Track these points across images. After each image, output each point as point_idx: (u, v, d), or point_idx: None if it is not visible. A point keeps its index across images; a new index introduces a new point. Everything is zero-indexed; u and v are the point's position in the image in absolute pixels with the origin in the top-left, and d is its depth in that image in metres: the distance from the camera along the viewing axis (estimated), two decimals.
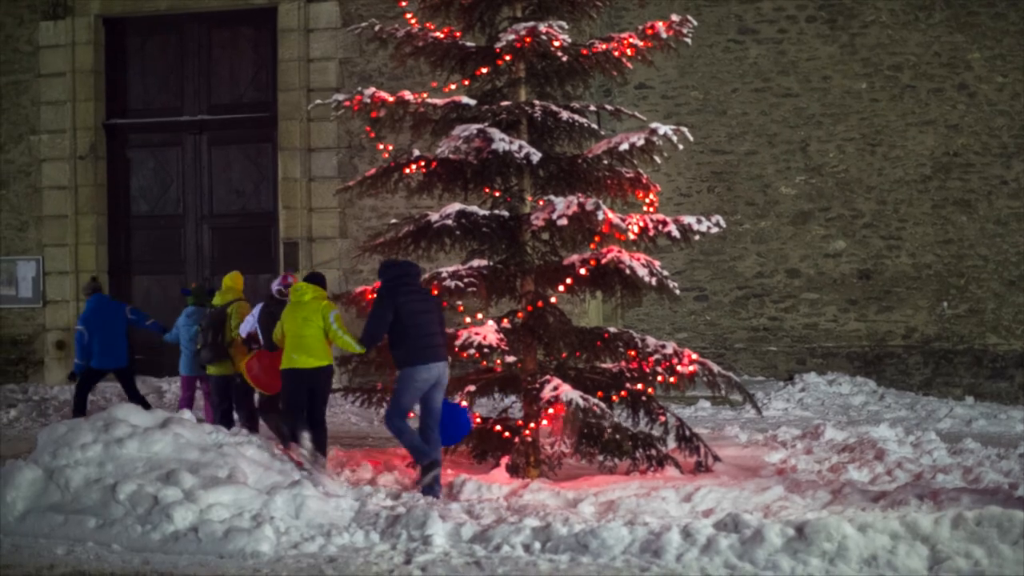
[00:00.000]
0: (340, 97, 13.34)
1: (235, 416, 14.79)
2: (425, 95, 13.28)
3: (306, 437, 12.35)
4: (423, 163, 12.93)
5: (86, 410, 16.76)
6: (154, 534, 10.27)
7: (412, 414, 12.21)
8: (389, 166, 13.11)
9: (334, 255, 21.80)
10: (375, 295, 12.49)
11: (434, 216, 12.75)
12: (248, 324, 14.10)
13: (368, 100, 13.07)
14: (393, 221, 13.43)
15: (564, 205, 12.12)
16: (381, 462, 12.97)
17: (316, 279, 13.44)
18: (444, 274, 12.52)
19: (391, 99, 13.06)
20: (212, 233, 23.10)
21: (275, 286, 14.12)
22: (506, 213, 12.91)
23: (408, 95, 13.14)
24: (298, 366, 12.75)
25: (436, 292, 12.43)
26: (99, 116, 23.24)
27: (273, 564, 9.60)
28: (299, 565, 9.56)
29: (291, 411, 12.80)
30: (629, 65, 13.41)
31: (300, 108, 21.89)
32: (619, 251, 12.43)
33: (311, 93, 21.67)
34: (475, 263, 12.77)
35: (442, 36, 13.40)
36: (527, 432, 12.56)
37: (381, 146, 13.49)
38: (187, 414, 12.77)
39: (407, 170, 13.01)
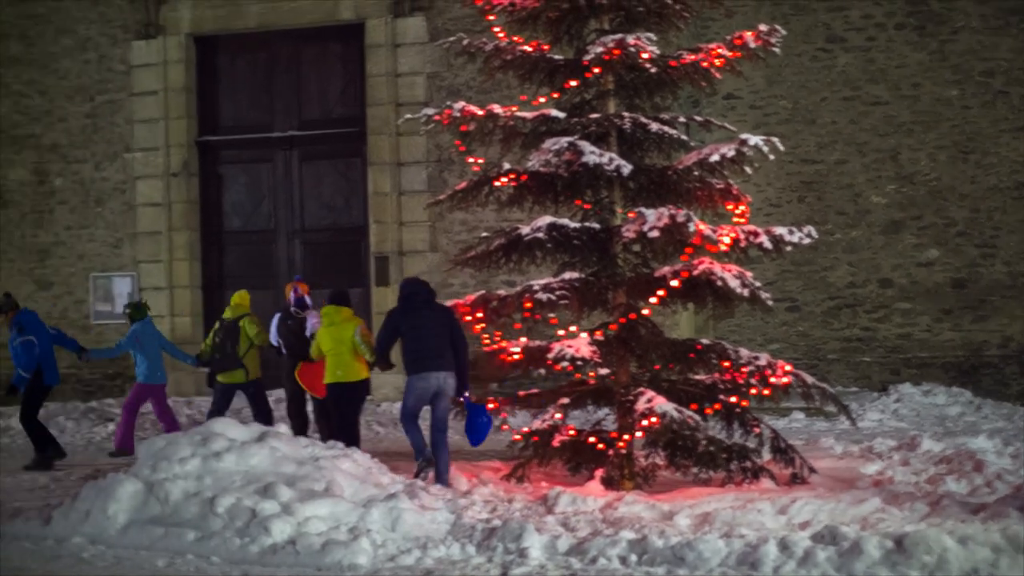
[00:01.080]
0: (430, 111, 13.40)
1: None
2: (515, 108, 13.31)
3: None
4: (513, 176, 12.95)
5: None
6: (252, 547, 10.35)
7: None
8: (480, 179, 13.15)
9: (424, 268, 21.87)
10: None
11: (525, 229, 12.77)
12: (273, 335, 16.24)
13: (458, 114, 13.12)
14: (484, 234, 13.47)
15: (655, 217, 12.10)
16: (475, 475, 12.99)
17: (341, 298, 14.59)
18: (536, 287, 12.53)
19: (481, 113, 13.11)
20: (304, 247, 23.28)
21: (292, 302, 16.10)
22: (597, 225, 12.90)
23: (497, 108, 13.18)
24: (341, 380, 14.18)
25: (529, 305, 12.45)
26: (191, 133, 23.52)
27: None
28: None
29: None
30: (718, 76, 13.37)
31: (389, 122, 22.02)
32: (711, 263, 12.38)
33: (400, 107, 21.80)
34: (567, 276, 12.78)
35: (530, 49, 13.42)
36: (621, 444, 12.54)
37: (471, 159, 13.53)
38: (283, 428, 12.86)
39: (497, 183, 13.05)
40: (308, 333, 15.64)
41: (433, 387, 13.03)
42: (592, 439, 12.90)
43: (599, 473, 12.54)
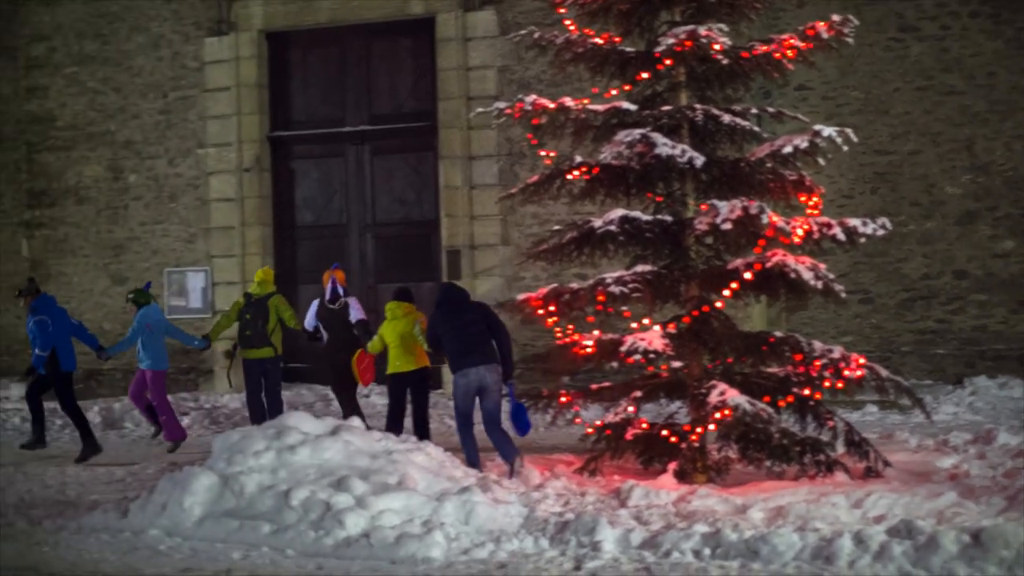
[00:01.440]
0: (501, 105, 13.40)
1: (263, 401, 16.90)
2: (586, 101, 13.29)
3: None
4: (585, 169, 12.94)
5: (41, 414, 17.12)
6: (327, 539, 10.42)
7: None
8: (551, 173, 13.15)
9: (496, 262, 21.93)
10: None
11: (597, 222, 12.75)
12: (310, 321, 16.72)
13: (529, 107, 13.11)
14: (556, 227, 13.46)
15: (728, 209, 12.05)
16: (548, 468, 13.00)
17: (405, 295, 15.47)
18: (609, 280, 12.51)
19: (552, 106, 13.10)
20: (375, 242, 23.38)
21: (330, 291, 16.57)
22: (669, 218, 12.86)
23: (569, 101, 13.17)
24: (401, 370, 15.01)
25: (602, 298, 12.43)
26: (263, 129, 23.68)
27: (444, 570, 9.68)
28: (470, 571, 9.62)
29: (395, 413, 15.10)
30: (790, 66, 13.28)
31: (460, 116, 22.06)
32: (784, 255, 12.30)
33: (471, 101, 21.82)
34: (639, 268, 12.75)
35: (601, 42, 13.39)
36: (694, 437, 12.51)
37: (543, 153, 13.53)
38: (356, 421, 12.92)
39: (569, 176, 13.04)
40: (354, 320, 16.42)
41: (474, 382, 13.54)
42: (665, 432, 12.86)
43: (672, 466, 12.51)
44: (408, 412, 15.32)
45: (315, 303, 16.87)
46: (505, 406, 13.83)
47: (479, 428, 13.79)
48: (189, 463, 12.38)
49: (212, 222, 23.74)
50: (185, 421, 19.60)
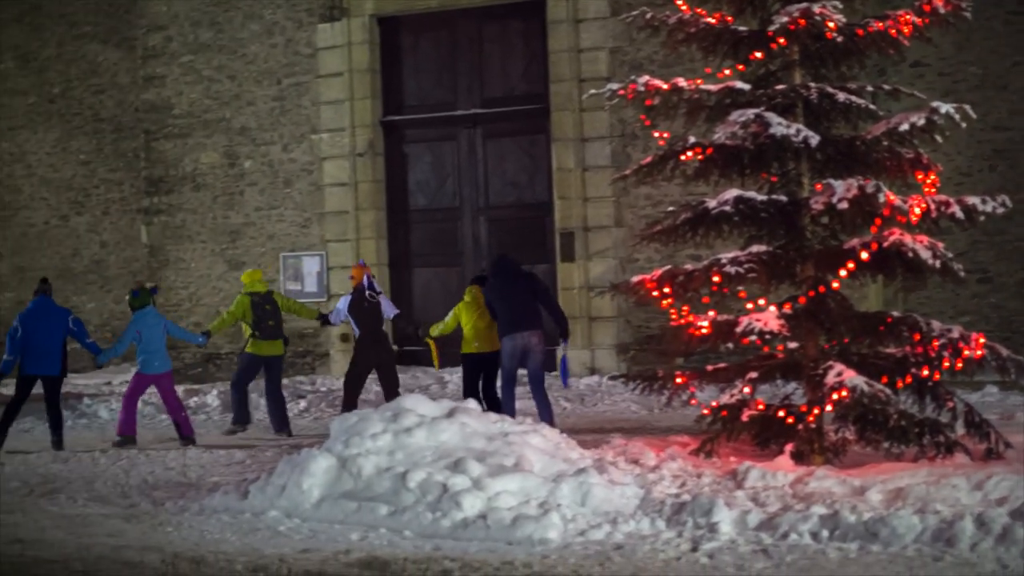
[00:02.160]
0: (614, 86, 13.37)
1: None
2: (699, 81, 13.22)
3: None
4: (699, 150, 12.86)
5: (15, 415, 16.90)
6: (444, 521, 10.48)
7: None
8: (665, 153, 13.09)
9: (609, 244, 21.91)
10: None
11: (711, 203, 12.69)
12: (340, 314, 17.37)
13: (642, 88, 13.06)
14: (670, 209, 13.41)
15: (844, 188, 11.94)
16: (663, 449, 12.98)
17: (483, 281, 16.44)
18: (724, 260, 12.44)
19: (666, 86, 13.04)
20: (489, 225, 23.46)
21: (367, 286, 17.20)
22: (784, 198, 12.76)
23: (682, 82, 13.10)
24: (481, 351, 16.01)
25: (717, 279, 12.37)
26: (376, 113, 23.83)
27: (561, 551, 9.70)
28: (586, 552, 9.64)
29: (469, 389, 16.03)
30: (906, 43, 13.10)
31: (572, 98, 22.06)
32: (901, 234, 12.15)
33: (582, 83, 21.81)
34: (754, 249, 12.66)
35: (714, 21, 13.30)
36: (811, 418, 12.42)
37: (657, 134, 13.47)
38: (472, 403, 12.98)
39: (683, 157, 12.97)
40: (391, 315, 17.60)
41: (520, 345, 15.42)
42: (781, 413, 12.77)
43: (788, 448, 12.43)
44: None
45: (346, 298, 17.41)
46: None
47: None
48: (308, 445, 12.50)
49: (326, 207, 23.96)
50: (302, 404, 19.87)
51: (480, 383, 16.14)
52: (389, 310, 17.50)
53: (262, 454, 14.99)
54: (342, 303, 17.44)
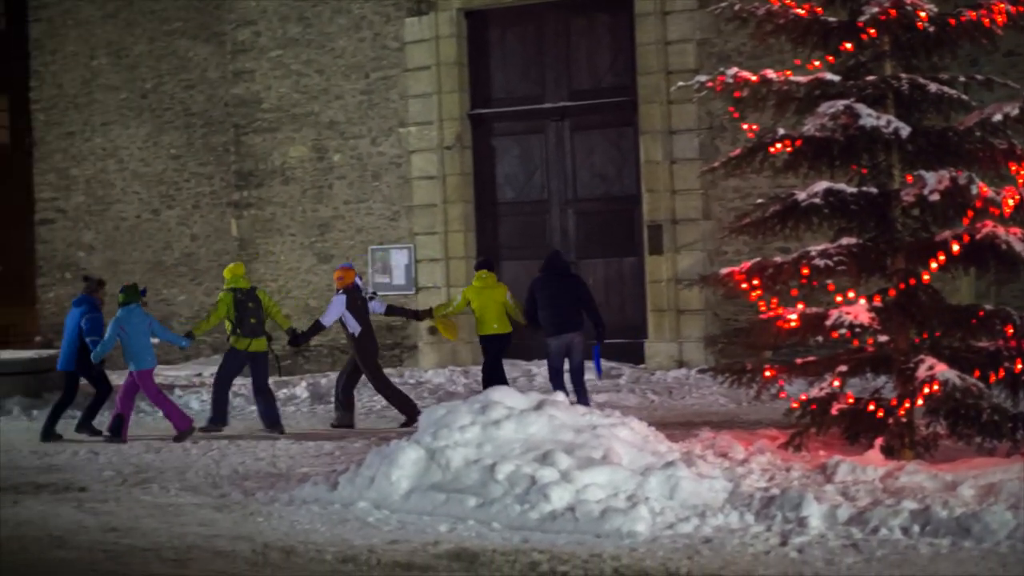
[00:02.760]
0: (702, 78, 13.31)
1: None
2: (788, 73, 13.13)
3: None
4: (788, 142, 12.79)
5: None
6: (532, 513, 10.50)
7: None
8: (754, 146, 13.02)
9: (697, 237, 21.84)
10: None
11: (801, 195, 12.60)
12: (334, 314, 17.37)
13: (731, 80, 13.00)
14: (759, 201, 13.35)
15: (935, 180, 11.82)
16: (752, 443, 12.91)
17: (491, 265, 18.02)
18: (813, 253, 12.36)
19: (754, 78, 12.97)
20: (576, 218, 23.46)
21: (360, 284, 17.79)
22: (874, 190, 12.65)
23: (771, 73, 13.02)
24: (498, 332, 17.32)
25: (806, 272, 12.30)
26: (464, 107, 23.90)
27: (649, 544, 9.69)
28: (675, 545, 9.62)
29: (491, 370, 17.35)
30: (999, 32, 12.94)
31: (660, 91, 22.00)
32: (994, 226, 12.01)
33: (670, 75, 21.75)
34: (844, 241, 12.56)
35: (803, 13, 13.20)
36: (901, 412, 12.31)
37: (746, 126, 13.40)
38: (560, 396, 12.99)
39: (772, 149, 12.90)
40: (381, 311, 18.13)
41: (565, 343, 16.74)
42: (871, 407, 12.66)
43: (879, 442, 12.32)
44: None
45: (340, 300, 17.43)
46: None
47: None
48: (397, 437, 12.57)
49: (415, 200, 24.06)
50: None
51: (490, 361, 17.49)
52: (378, 306, 18.03)
53: (351, 445, 15.09)
54: (334, 306, 17.48)
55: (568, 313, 16.83)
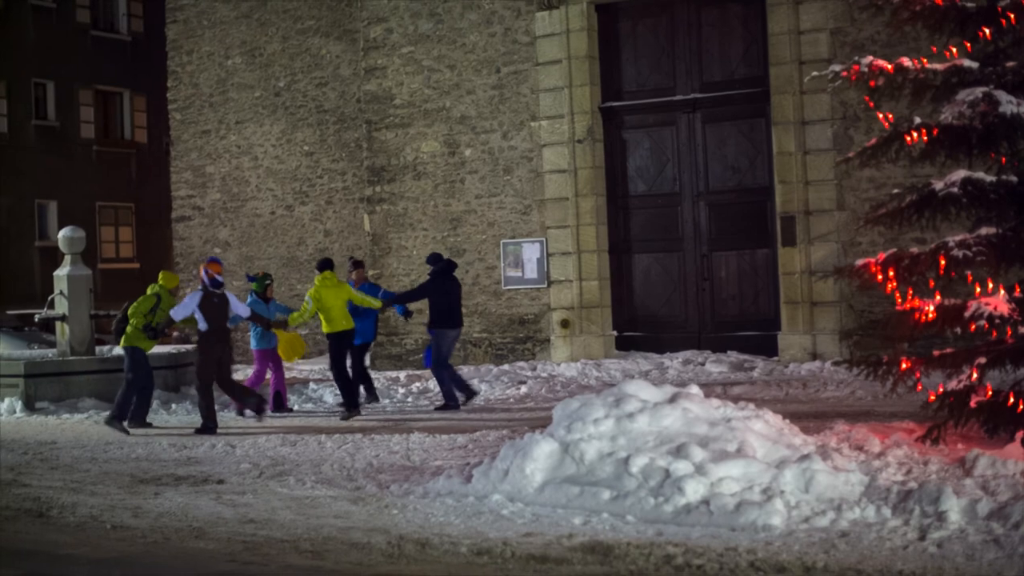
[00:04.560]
0: (837, 68, 13.15)
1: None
2: (924, 61, 12.93)
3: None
4: (925, 131, 12.59)
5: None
6: (666, 506, 10.45)
7: None
8: (889, 135, 12.84)
9: (831, 228, 21.61)
10: None
11: (938, 184, 12.40)
12: (186, 310, 17.47)
13: (866, 69, 12.82)
14: (895, 191, 13.15)
15: None
16: (888, 436, 12.74)
17: (330, 265, 18.72)
18: (951, 244, 12.16)
19: (890, 67, 12.79)
20: (709, 210, 23.34)
21: (206, 278, 17.63)
22: (1015, 178, 12.40)
23: (907, 62, 12.83)
24: (346, 328, 18.25)
25: (943, 263, 12.10)
26: (595, 100, 23.88)
27: (785, 537, 9.60)
28: (811, 539, 9.52)
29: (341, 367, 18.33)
30: None
31: (792, 81, 21.81)
32: None
33: (803, 65, 21.56)
34: (982, 231, 12.34)
35: (940, 0, 13.00)
36: None
37: (881, 115, 13.22)
38: (694, 389, 12.92)
39: (908, 139, 12.71)
40: (246, 315, 18.06)
41: (457, 336, 19.10)
42: (1011, 400, 12.42)
43: (1019, 435, 12.07)
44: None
45: (194, 296, 17.62)
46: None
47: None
48: (530, 430, 12.59)
49: (546, 193, 24.09)
50: (523, 389, 20.01)
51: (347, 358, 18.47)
52: (243, 309, 18.05)
53: (484, 439, 15.13)
54: (190, 300, 17.61)
55: (459, 308, 19.18)
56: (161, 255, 38.58)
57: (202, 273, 17.73)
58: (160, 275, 18.89)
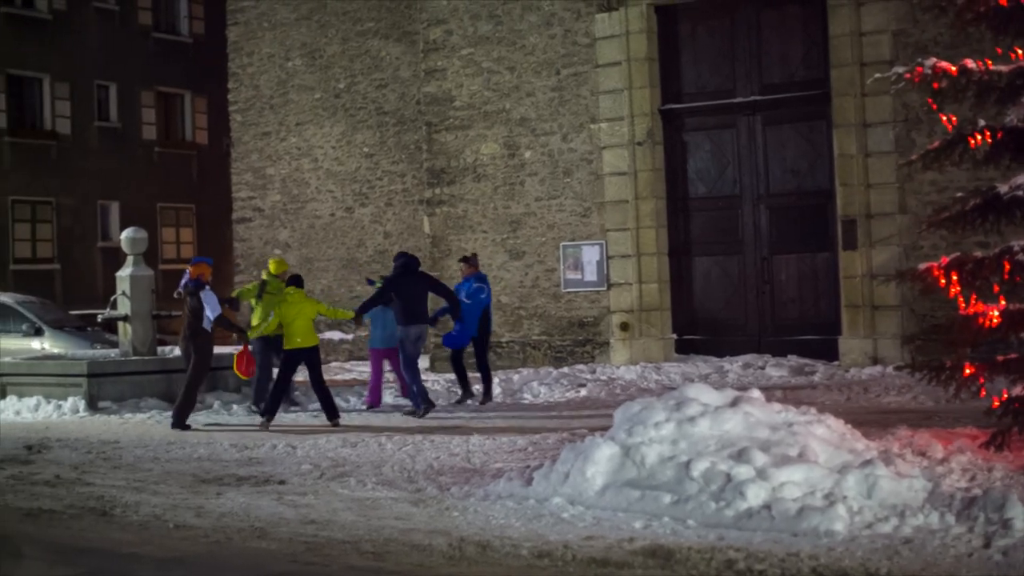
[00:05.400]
0: (900, 69, 13.06)
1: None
2: (988, 62, 12.82)
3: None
4: (989, 133, 12.49)
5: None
6: (727, 511, 10.42)
7: None
8: (953, 138, 12.74)
9: (893, 231, 21.47)
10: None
11: (1003, 188, 12.29)
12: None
13: (929, 71, 12.72)
14: (958, 195, 13.05)
15: None
16: (951, 442, 12.65)
17: (300, 281, 18.72)
18: (1016, 248, 12.05)
19: (953, 69, 12.69)
20: (769, 213, 23.25)
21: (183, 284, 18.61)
22: None
23: (971, 63, 12.74)
24: (305, 345, 18.01)
25: (1008, 267, 12.00)
26: (655, 102, 23.85)
27: (847, 543, 9.54)
28: (873, 545, 9.46)
29: (284, 381, 18.32)
30: None
31: (853, 83, 21.68)
32: None
33: (864, 67, 21.43)
34: None
35: (1004, 1, 12.89)
36: None
37: (945, 118, 13.13)
38: (755, 393, 12.86)
39: (972, 141, 12.61)
40: (212, 315, 18.16)
41: (419, 334, 18.52)
42: None
43: None
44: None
45: (212, 293, 18.58)
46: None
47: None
48: (589, 433, 12.58)
49: (606, 196, 24.08)
50: (582, 392, 20.00)
51: (309, 374, 18.36)
52: (212, 311, 18.27)
53: (544, 441, 15.13)
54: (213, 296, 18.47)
55: (424, 306, 18.98)
56: (221, 256, 38.81)
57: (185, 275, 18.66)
58: (270, 262, 19.96)
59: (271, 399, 18.04)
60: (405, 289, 18.49)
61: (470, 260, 20.44)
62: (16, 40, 38.98)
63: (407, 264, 18.72)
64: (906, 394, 18.15)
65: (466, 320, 19.32)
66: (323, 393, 17.99)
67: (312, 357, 18.16)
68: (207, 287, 18.42)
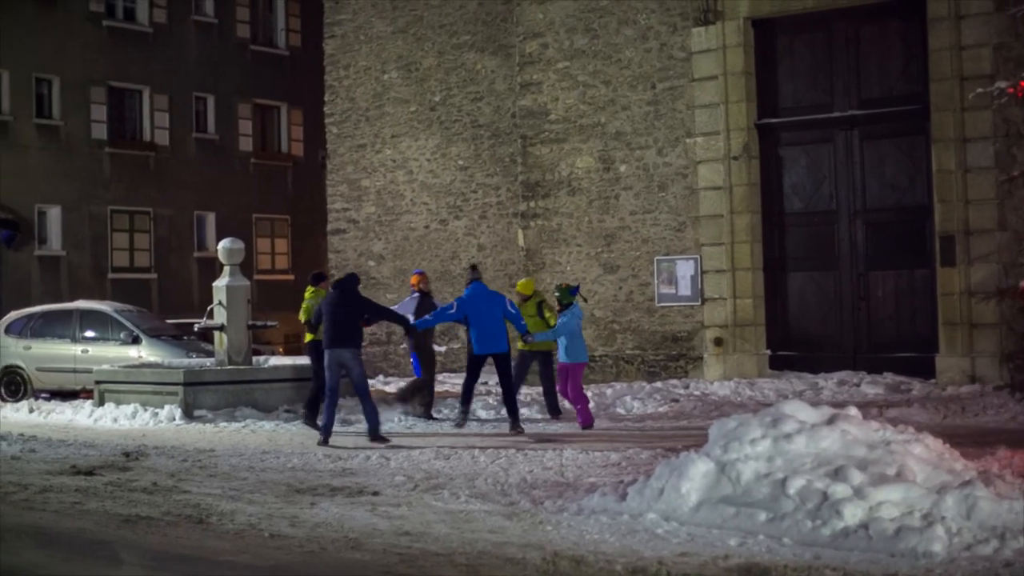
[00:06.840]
0: (1002, 84, 12.99)
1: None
2: None
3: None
4: None
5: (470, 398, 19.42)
6: (823, 530, 10.32)
7: None
8: None
9: (992, 248, 21.19)
10: None
11: None
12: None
13: None
14: None
15: None
16: None
17: (320, 278, 19.73)
18: None
19: None
20: (866, 229, 23.04)
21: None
22: None
23: None
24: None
25: None
26: (751, 116, 23.72)
27: (946, 565, 9.42)
28: (973, 568, 9.33)
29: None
30: None
31: (953, 98, 21.44)
32: None
33: (964, 82, 21.17)
34: None
35: None
36: None
37: None
38: (853, 410, 12.74)
39: None
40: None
41: (335, 359, 17.62)
42: None
43: None
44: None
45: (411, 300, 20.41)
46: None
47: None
48: (684, 449, 12.52)
49: (701, 210, 23.98)
50: (676, 407, 19.93)
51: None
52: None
53: (637, 456, 15.09)
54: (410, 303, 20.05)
55: (347, 329, 17.79)
56: (316, 267, 39.08)
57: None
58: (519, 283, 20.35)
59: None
60: (328, 308, 17.97)
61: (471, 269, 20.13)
62: (118, 53, 39.52)
63: (337, 283, 18.38)
64: (1004, 414, 17.89)
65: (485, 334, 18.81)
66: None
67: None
68: (412, 293, 20.31)
